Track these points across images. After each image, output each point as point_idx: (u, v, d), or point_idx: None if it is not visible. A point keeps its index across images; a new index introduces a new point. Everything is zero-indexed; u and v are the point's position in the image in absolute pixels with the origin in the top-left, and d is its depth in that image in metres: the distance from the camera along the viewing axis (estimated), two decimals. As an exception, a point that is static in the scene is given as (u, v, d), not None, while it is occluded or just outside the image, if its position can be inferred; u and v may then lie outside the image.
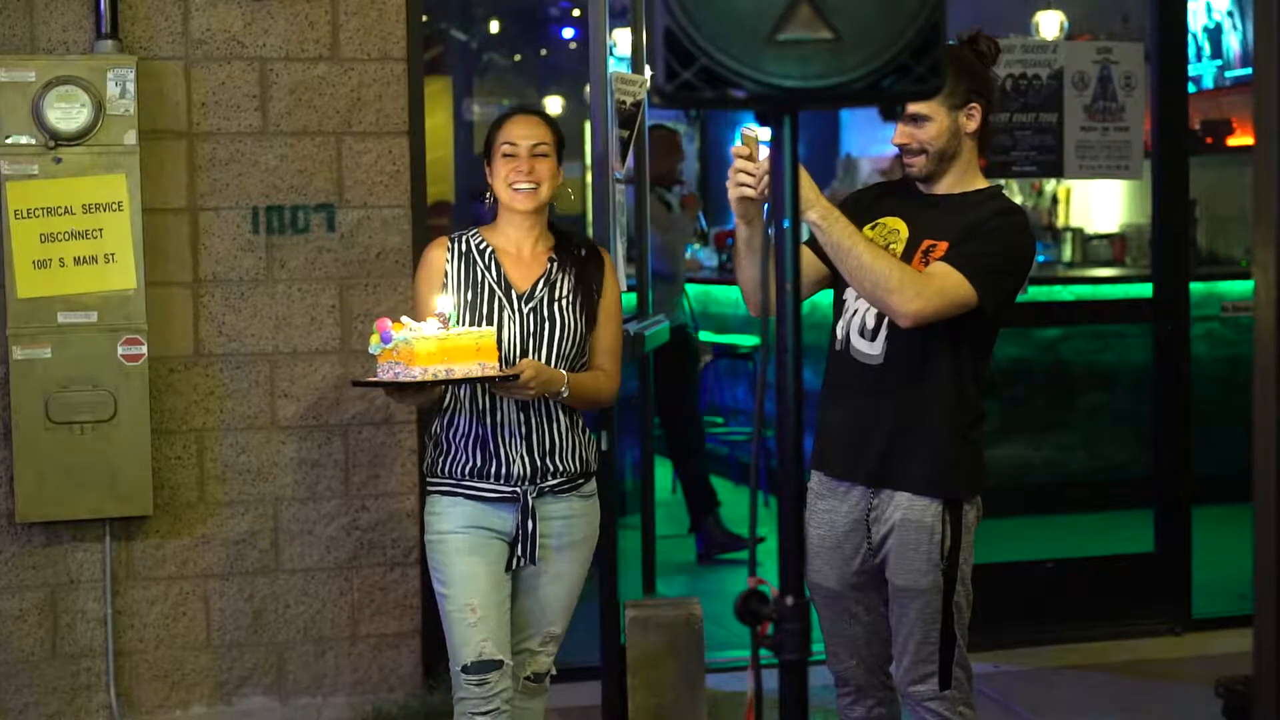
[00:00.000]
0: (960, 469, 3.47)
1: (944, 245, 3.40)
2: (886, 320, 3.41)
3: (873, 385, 3.46)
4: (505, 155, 3.66)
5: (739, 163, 3.25)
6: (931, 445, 3.43)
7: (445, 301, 3.57)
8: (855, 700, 3.64)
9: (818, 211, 3.26)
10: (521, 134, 3.66)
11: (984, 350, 3.50)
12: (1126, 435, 7.34)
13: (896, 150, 3.54)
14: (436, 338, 3.42)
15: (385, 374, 3.48)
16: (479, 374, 3.45)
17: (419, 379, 3.40)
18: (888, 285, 3.27)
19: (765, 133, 3.24)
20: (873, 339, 3.45)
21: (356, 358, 4.78)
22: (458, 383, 3.48)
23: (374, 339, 3.50)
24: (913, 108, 3.39)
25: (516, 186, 3.64)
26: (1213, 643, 5.60)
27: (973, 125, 3.47)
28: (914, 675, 3.48)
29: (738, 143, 3.28)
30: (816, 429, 3.60)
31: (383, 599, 4.93)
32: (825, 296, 3.67)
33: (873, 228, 3.48)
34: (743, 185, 3.25)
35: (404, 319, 3.51)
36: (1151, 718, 4.96)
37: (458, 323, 3.57)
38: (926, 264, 3.38)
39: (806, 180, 3.22)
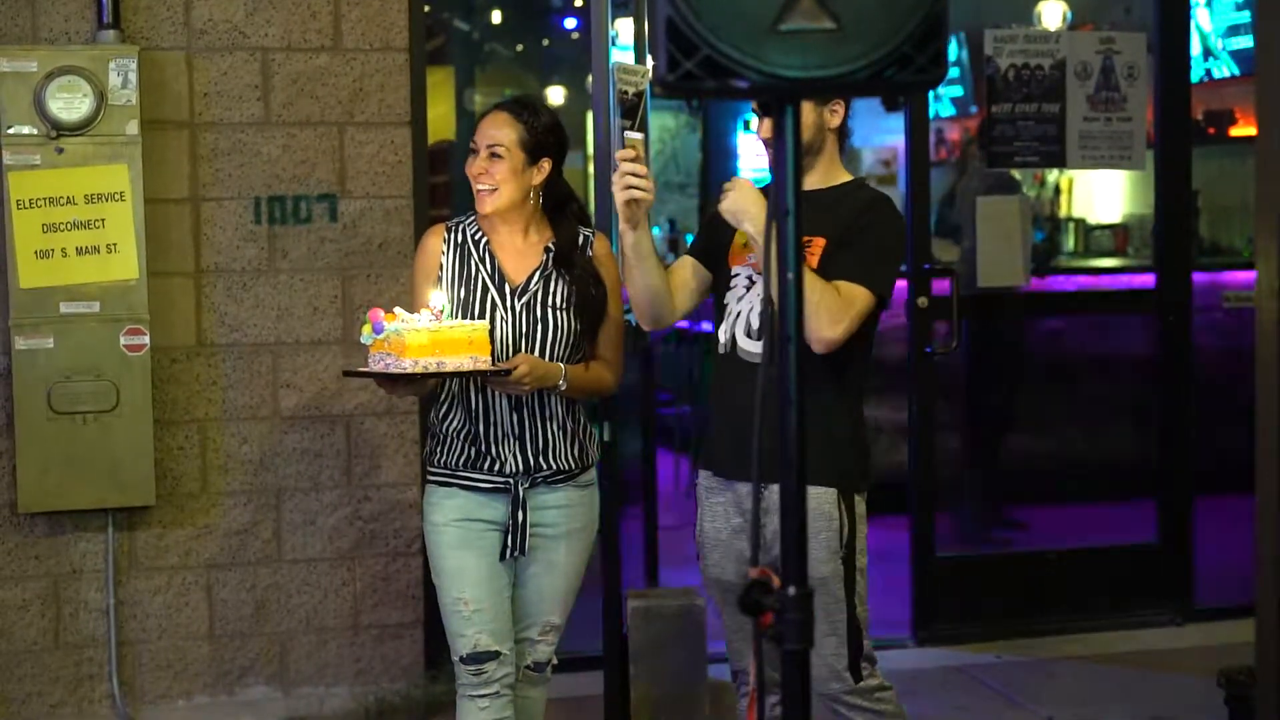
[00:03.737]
0: (853, 457, 3.50)
1: (820, 241, 3.43)
2: None
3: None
4: (470, 153, 3.65)
5: (626, 165, 3.32)
6: (823, 435, 3.39)
7: (438, 297, 3.53)
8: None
9: (754, 225, 3.33)
10: (481, 135, 3.62)
11: (869, 338, 3.52)
12: (1128, 426, 7.33)
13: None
14: (428, 330, 3.38)
15: (376, 365, 3.45)
16: (470, 367, 3.40)
17: (409, 371, 3.36)
18: (806, 309, 3.27)
19: (638, 136, 3.30)
20: (759, 338, 3.46)
21: (358, 348, 4.76)
22: (449, 376, 3.44)
23: (365, 329, 3.47)
24: None
25: (477, 188, 3.62)
26: (1215, 633, 5.60)
27: (836, 120, 3.54)
28: (824, 672, 3.42)
29: (621, 148, 3.32)
30: (706, 429, 3.63)
31: (385, 589, 4.94)
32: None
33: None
34: (631, 188, 3.31)
35: (397, 310, 3.48)
36: (1154, 708, 4.96)
37: (451, 316, 3.52)
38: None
39: (755, 195, 3.34)
